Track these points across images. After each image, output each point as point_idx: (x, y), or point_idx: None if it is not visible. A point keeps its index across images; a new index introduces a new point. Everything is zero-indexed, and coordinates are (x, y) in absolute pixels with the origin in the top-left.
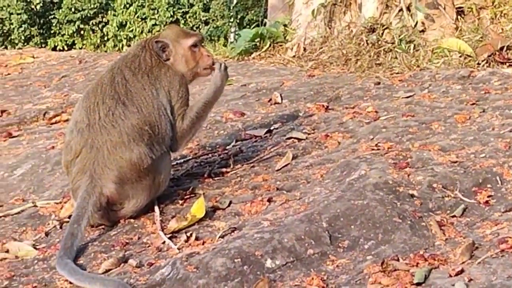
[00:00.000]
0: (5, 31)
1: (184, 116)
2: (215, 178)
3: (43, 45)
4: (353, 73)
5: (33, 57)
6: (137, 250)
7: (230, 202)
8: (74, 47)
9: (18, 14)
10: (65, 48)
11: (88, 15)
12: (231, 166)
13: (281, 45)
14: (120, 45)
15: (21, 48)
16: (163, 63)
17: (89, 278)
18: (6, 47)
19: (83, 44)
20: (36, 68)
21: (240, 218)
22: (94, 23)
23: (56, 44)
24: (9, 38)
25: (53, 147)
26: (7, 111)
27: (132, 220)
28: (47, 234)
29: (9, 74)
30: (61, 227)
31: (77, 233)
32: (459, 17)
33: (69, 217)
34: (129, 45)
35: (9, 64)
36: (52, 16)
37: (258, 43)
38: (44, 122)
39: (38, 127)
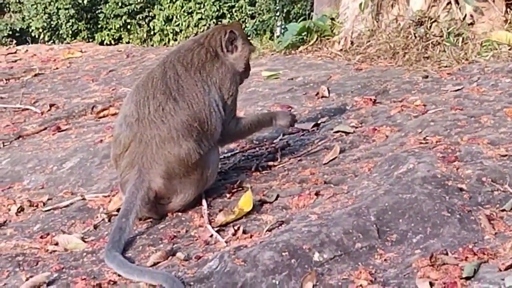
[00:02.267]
0: (53, 26)
1: (239, 120)
2: (263, 172)
3: (90, 40)
4: (400, 67)
5: (81, 51)
6: (185, 243)
7: (278, 196)
8: (120, 41)
9: (65, 9)
10: (112, 42)
11: (135, 9)
12: (279, 160)
13: (328, 39)
14: (167, 39)
15: (69, 43)
16: (217, 59)
17: (137, 270)
18: (54, 42)
19: (129, 39)
20: (84, 62)
21: (288, 211)
22: (140, 18)
23: (103, 39)
24: (57, 33)
25: (101, 141)
26: (55, 105)
27: (179, 214)
28: (95, 227)
29: (57, 68)
30: (109, 220)
31: (125, 227)
32: (508, 9)
33: (118, 210)
34: (175, 39)
35: (57, 59)
36: (99, 11)
37: (305, 37)
38: (92, 116)
39: (86, 121)
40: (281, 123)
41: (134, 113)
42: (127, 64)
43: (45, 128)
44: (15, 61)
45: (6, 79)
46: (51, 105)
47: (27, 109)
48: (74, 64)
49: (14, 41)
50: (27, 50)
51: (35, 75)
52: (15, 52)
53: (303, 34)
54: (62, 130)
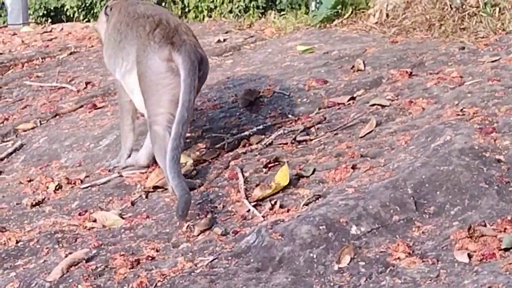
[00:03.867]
0: (87, 4)
1: None
2: (299, 146)
3: None
4: (437, 39)
5: None
6: (222, 219)
7: (314, 170)
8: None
9: None
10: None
11: None
12: (315, 134)
13: (363, 12)
14: (201, 16)
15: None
16: None
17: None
18: (88, 21)
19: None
20: None
21: (324, 185)
22: None
23: None
24: (91, 12)
25: (137, 118)
26: (91, 83)
27: (216, 189)
28: (133, 203)
29: (92, 46)
30: (146, 197)
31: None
32: None
33: (154, 187)
34: (210, 16)
35: (92, 37)
36: None
37: (339, 10)
38: None
39: None
40: None
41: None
42: None
43: (81, 106)
44: (51, 39)
45: (42, 58)
46: (86, 83)
47: (63, 87)
48: None
49: (50, 20)
50: (62, 29)
51: (71, 53)
52: (51, 31)
53: (337, 7)
54: (98, 108)
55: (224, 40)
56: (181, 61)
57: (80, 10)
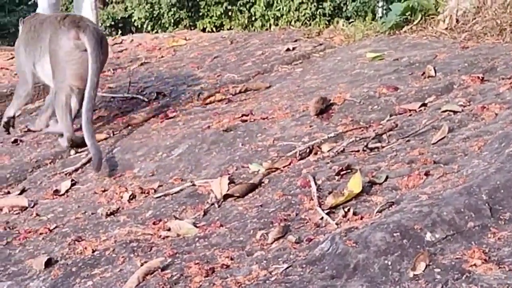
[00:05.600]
0: (155, 15)
1: None
2: (371, 153)
3: (192, 28)
4: (508, 43)
5: (185, 39)
6: (296, 226)
7: (387, 177)
8: (222, 28)
9: None
10: (214, 29)
11: None
12: (386, 141)
13: (432, 18)
14: (268, 25)
15: (171, 32)
16: None
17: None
18: (156, 31)
19: (231, 25)
20: (188, 50)
21: (397, 192)
22: (241, 4)
23: (204, 26)
24: (159, 22)
25: (208, 127)
26: (162, 93)
27: (289, 197)
28: (206, 212)
29: (162, 57)
30: (219, 206)
31: None
32: None
33: (225, 196)
34: (276, 25)
35: (162, 47)
36: None
37: (409, 17)
38: (199, 103)
39: (193, 108)
40: None
41: None
42: (231, 50)
43: (153, 116)
44: (121, 51)
45: (113, 69)
46: (158, 93)
47: (135, 98)
48: (179, 52)
49: (120, 32)
50: (132, 40)
51: (141, 64)
52: (121, 42)
53: (407, 14)
54: (170, 118)
55: (293, 48)
56: (87, 39)
57: (147, 21)
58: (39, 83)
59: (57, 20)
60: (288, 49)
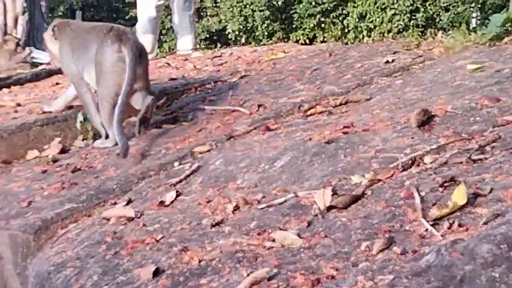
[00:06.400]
0: (249, 27)
1: None
2: (474, 165)
3: (285, 40)
4: None
5: (284, 52)
6: (400, 238)
7: (491, 189)
8: (315, 40)
9: (261, 10)
10: (306, 41)
11: (328, 8)
12: (490, 152)
13: None
14: (361, 36)
15: (265, 44)
16: None
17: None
18: (250, 43)
19: (324, 37)
20: (287, 62)
21: (503, 204)
22: (334, 16)
23: (297, 38)
24: (252, 35)
25: (310, 139)
26: (263, 106)
27: (393, 208)
28: (309, 223)
29: (262, 70)
30: (323, 217)
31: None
32: None
33: (328, 208)
34: (369, 36)
35: (261, 60)
36: (293, 11)
37: (509, 28)
38: (300, 115)
39: (294, 120)
40: None
41: None
42: (330, 63)
43: (255, 128)
44: (221, 64)
45: (214, 82)
46: (259, 106)
47: (236, 110)
48: (278, 64)
49: (219, 45)
50: (231, 53)
51: (241, 77)
52: (220, 56)
53: (507, 25)
54: (271, 130)
55: (393, 60)
56: (127, 52)
57: (241, 33)
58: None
59: (103, 33)
60: (387, 61)
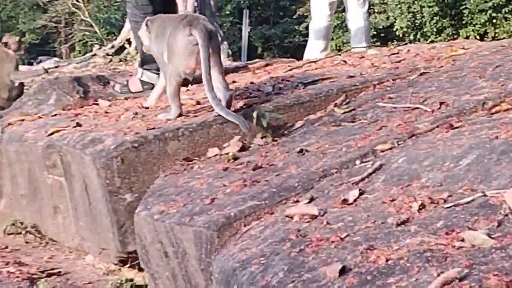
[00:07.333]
0: (417, 24)
1: None
2: None
3: (454, 36)
4: None
5: (464, 48)
6: None
7: None
8: (486, 36)
9: (429, 7)
10: (477, 37)
11: (500, 2)
12: None
13: None
14: None
15: (433, 41)
16: None
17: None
18: (418, 40)
19: (495, 33)
20: (468, 59)
21: None
22: (506, 11)
23: (468, 35)
24: (421, 31)
25: (496, 137)
26: (445, 103)
27: None
28: (499, 223)
29: (441, 66)
30: None
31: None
32: None
33: None
34: None
35: (440, 57)
36: (463, 7)
37: None
38: (484, 113)
39: (478, 118)
40: None
41: None
42: None
43: (437, 126)
44: (399, 61)
45: (392, 79)
46: (440, 103)
47: (417, 108)
48: (458, 61)
49: (395, 42)
50: (409, 50)
51: (421, 74)
52: (397, 53)
53: None
54: (455, 128)
55: None
56: (197, 33)
57: (409, 30)
58: None
59: (178, 20)
60: None
